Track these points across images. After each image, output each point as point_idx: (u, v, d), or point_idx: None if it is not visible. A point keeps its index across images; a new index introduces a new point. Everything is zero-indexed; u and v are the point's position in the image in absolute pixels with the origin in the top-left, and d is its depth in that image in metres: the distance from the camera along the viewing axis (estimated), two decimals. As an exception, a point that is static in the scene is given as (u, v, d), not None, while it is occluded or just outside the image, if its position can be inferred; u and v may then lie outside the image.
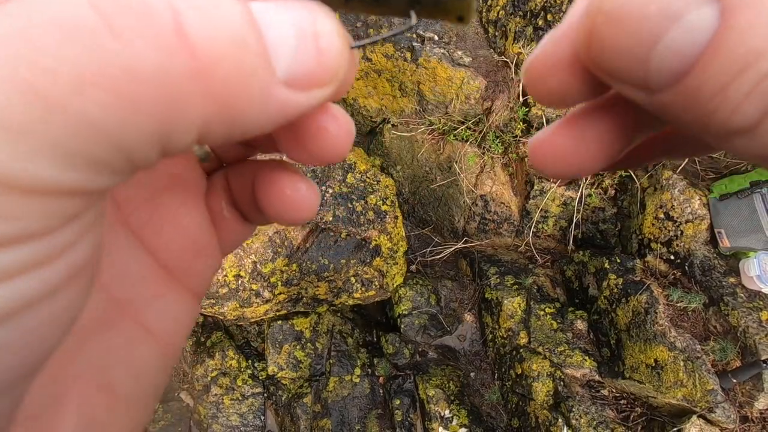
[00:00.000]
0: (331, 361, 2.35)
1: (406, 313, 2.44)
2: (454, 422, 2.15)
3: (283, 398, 2.34)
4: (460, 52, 2.32)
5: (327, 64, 0.15)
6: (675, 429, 1.80)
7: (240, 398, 2.30)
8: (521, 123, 2.29)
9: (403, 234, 2.39)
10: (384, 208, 2.31)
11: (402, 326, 2.43)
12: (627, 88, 0.16)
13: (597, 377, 2.06)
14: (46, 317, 0.13)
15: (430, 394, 2.20)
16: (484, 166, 2.49)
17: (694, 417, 1.76)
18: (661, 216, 2.09)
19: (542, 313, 2.25)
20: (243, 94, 0.14)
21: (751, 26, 0.13)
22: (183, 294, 0.22)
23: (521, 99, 2.24)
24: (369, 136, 2.81)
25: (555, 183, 2.32)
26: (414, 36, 2.33)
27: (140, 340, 0.20)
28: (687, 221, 2.02)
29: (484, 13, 2.41)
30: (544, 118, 2.21)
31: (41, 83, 0.11)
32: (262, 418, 2.33)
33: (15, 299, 0.12)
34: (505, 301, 2.30)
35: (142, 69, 0.12)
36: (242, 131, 0.15)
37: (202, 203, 0.23)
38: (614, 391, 2.04)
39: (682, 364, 1.82)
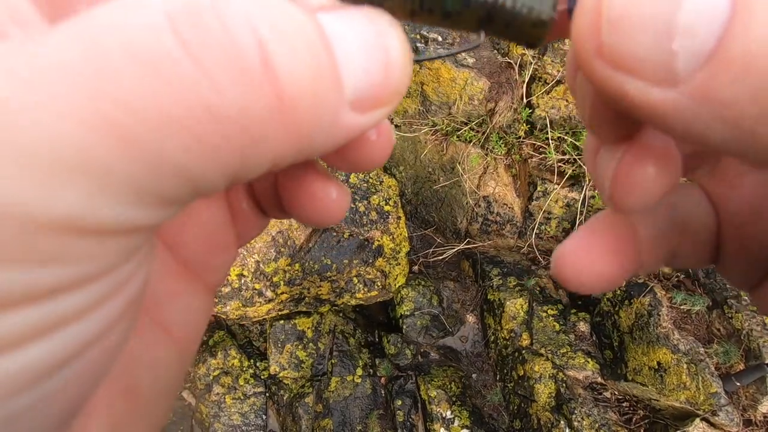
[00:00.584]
0: (332, 361, 2.36)
1: (408, 313, 2.44)
2: (456, 423, 2.15)
3: (284, 398, 2.35)
4: (463, 53, 2.32)
5: (393, 82, 0.14)
6: (678, 432, 1.79)
7: (242, 397, 2.31)
8: (524, 124, 2.29)
9: (406, 234, 2.39)
10: (387, 208, 2.31)
11: (404, 327, 2.43)
12: (645, 87, 0.12)
13: (599, 379, 2.06)
14: (99, 354, 0.13)
15: (432, 395, 2.19)
16: (487, 167, 2.48)
17: (697, 420, 1.76)
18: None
19: (545, 314, 2.25)
20: (316, 124, 0.13)
21: None
22: (199, 290, 0.21)
23: (525, 100, 2.24)
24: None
25: (557, 184, 2.31)
26: (417, 36, 2.34)
27: (159, 341, 0.19)
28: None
29: (488, 14, 2.41)
30: (547, 120, 2.21)
31: (125, 122, 0.10)
32: (264, 417, 2.33)
33: (75, 343, 0.12)
34: (508, 303, 2.29)
35: (227, 110, 0.11)
36: (307, 157, 0.14)
37: (222, 196, 0.22)
38: (617, 393, 2.03)
39: (685, 366, 1.81)
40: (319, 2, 0.14)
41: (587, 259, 0.19)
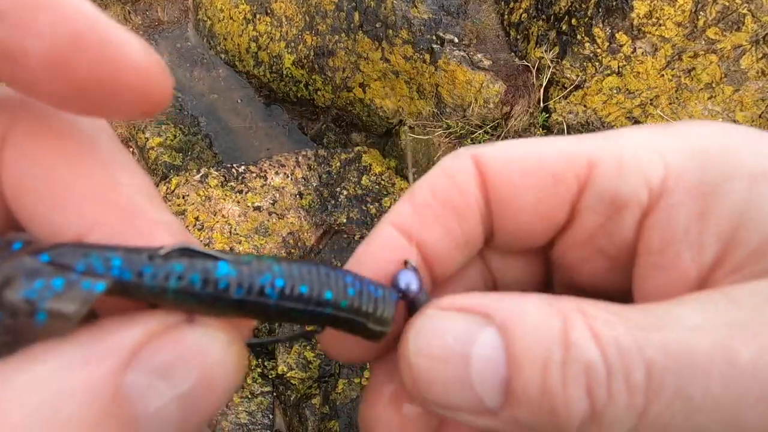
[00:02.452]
0: (340, 363, 2.36)
1: (417, 317, 2.43)
2: None
3: (291, 398, 2.35)
4: (480, 55, 2.29)
5: (214, 407, 0.15)
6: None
7: (249, 396, 2.32)
8: (541, 129, 2.25)
9: (417, 238, 2.37)
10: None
11: (413, 331, 2.42)
12: (469, 416, 0.17)
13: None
14: None
15: (439, 401, 2.18)
16: (501, 171, 2.45)
17: None
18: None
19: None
20: None
21: (526, 341, 0.16)
22: None
23: (542, 104, 2.19)
24: (385, 137, 2.79)
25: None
26: (434, 38, 2.31)
27: None
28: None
29: (506, 16, 2.37)
30: (564, 125, 2.16)
31: None
32: (271, 417, 2.34)
33: None
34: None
35: None
36: None
37: None
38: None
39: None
40: (147, 329, 0.13)
41: None
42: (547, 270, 0.25)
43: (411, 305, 0.19)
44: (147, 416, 0.13)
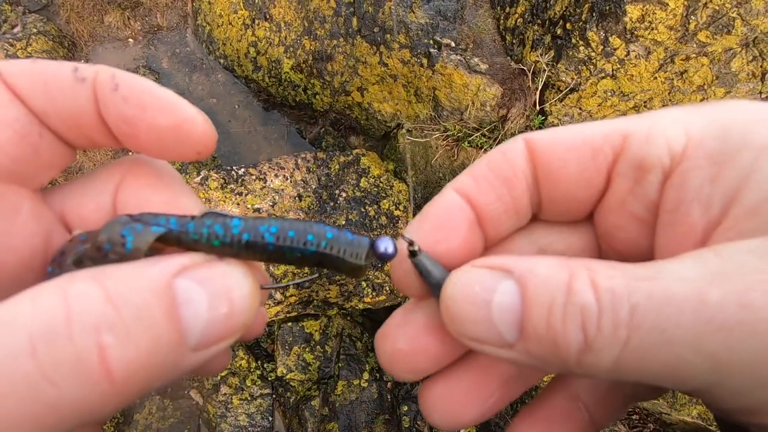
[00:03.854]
0: (339, 365, 2.36)
1: (416, 318, 2.43)
2: (462, 431, 2.13)
3: (291, 400, 2.35)
4: (476, 59, 2.32)
5: (235, 323, 0.19)
6: (689, 447, 1.76)
7: (249, 398, 2.32)
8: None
9: (415, 239, 2.38)
10: (397, 213, 2.31)
11: (411, 332, 2.42)
12: (493, 349, 0.21)
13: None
14: None
15: (439, 402, 2.18)
16: (499, 173, 2.47)
17: (709, 435, 1.72)
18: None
19: (554, 323, 2.23)
20: (153, 380, 0.17)
21: (539, 288, 0.20)
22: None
23: (538, 107, 2.22)
24: (383, 140, 2.82)
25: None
26: (431, 42, 2.34)
27: None
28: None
29: (501, 21, 2.40)
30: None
31: None
32: (270, 419, 2.33)
33: None
34: (517, 310, 2.27)
35: (66, 402, 0.15)
36: (154, 388, 0.18)
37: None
38: (626, 405, 2.01)
39: (697, 380, 1.78)
40: (192, 260, 0.19)
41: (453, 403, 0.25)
42: (596, 248, 0.27)
43: (418, 266, 0.24)
44: (185, 306, 0.18)
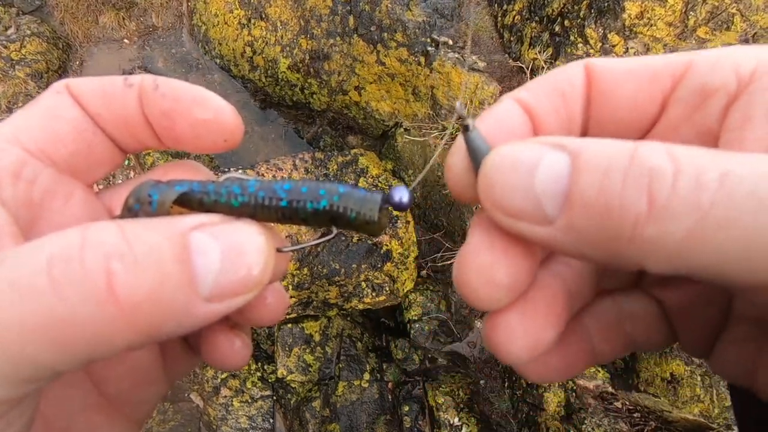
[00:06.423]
0: (340, 366, 2.35)
1: (416, 318, 2.43)
2: (464, 430, 2.13)
3: (291, 401, 2.35)
4: (474, 57, 2.31)
5: (248, 278, 0.20)
6: (691, 445, 1.76)
7: (249, 401, 2.31)
8: (536, 129, 2.27)
9: (414, 239, 2.38)
10: (395, 212, 2.30)
11: (412, 332, 2.42)
12: (530, 227, 0.19)
13: (610, 389, 2.03)
14: None
15: (440, 401, 2.18)
16: (498, 171, 2.46)
17: (711, 433, 1.73)
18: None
19: (555, 322, 2.22)
20: (162, 318, 0.18)
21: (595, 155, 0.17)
22: (122, 423, 0.25)
23: (536, 105, 2.22)
24: (381, 140, 2.80)
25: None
26: (428, 40, 2.32)
27: None
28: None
29: (499, 18, 2.39)
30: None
31: None
32: (271, 421, 2.33)
33: None
34: (517, 309, 2.27)
35: (75, 319, 0.16)
36: (165, 337, 0.19)
37: None
38: (628, 403, 2.00)
39: (699, 378, 1.78)
40: (210, 218, 0.20)
41: (520, 327, 0.22)
42: None
43: (469, 143, 0.22)
44: (198, 255, 0.19)
